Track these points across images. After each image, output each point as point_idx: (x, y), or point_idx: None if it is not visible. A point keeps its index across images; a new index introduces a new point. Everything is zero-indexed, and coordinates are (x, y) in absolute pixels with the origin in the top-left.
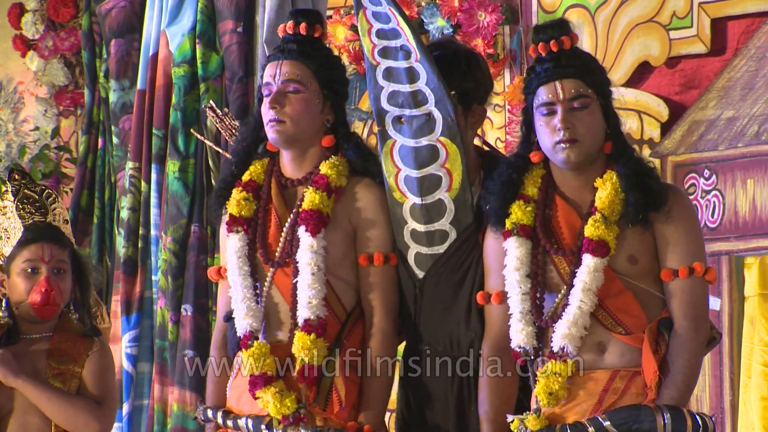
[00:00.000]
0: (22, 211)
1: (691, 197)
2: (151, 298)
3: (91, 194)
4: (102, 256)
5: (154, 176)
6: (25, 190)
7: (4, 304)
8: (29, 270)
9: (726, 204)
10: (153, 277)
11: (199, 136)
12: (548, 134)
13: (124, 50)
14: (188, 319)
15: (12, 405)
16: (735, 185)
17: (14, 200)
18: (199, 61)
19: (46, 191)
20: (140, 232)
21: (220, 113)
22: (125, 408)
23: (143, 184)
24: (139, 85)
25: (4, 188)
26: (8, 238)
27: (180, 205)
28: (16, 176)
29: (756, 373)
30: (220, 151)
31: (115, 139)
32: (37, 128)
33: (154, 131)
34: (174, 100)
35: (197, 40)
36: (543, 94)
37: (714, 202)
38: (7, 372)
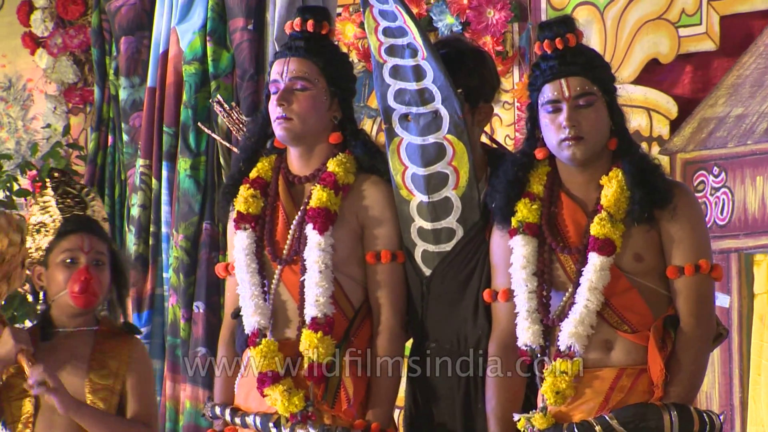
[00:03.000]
0: (62, 205)
1: (700, 194)
2: (163, 296)
3: (101, 192)
4: None
5: (164, 173)
6: (65, 187)
7: (41, 297)
8: (68, 260)
9: (735, 201)
10: (164, 275)
11: (206, 129)
12: (554, 132)
13: (134, 48)
14: (200, 316)
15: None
16: (744, 182)
17: (54, 195)
18: (209, 59)
19: (86, 189)
20: (151, 229)
21: (228, 108)
22: None
23: (154, 181)
24: (149, 83)
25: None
26: (47, 232)
27: (191, 202)
28: (56, 174)
29: (765, 370)
30: (228, 145)
31: (125, 137)
32: (48, 125)
33: (164, 129)
34: (185, 97)
35: (208, 38)
36: (548, 91)
37: (723, 199)
38: (62, 402)
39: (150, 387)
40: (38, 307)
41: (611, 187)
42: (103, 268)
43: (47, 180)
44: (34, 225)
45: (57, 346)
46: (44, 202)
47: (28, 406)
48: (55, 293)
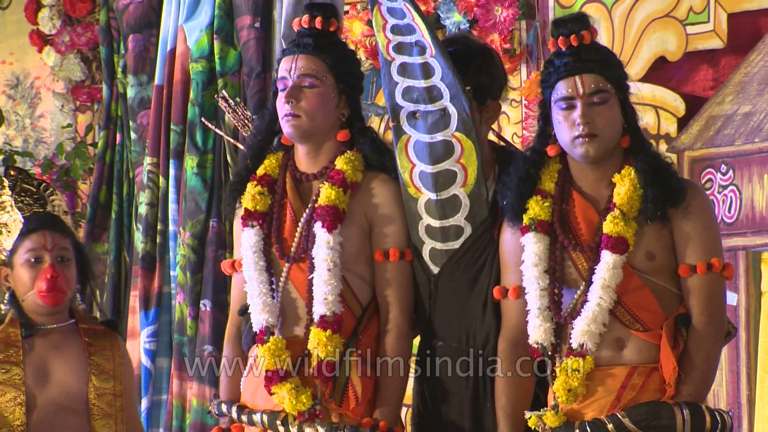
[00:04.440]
0: (21, 204)
1: (707, 192)
2: (170, 294)
3: (109, 190)
4: (120, 251)
5: (172, 172)
6: (23, 184)
7: (7, 298)
8: (32, 260)
9: (743, 199)
10: (171, 273)
11: (210, 125)
12: (567, 129)
13: (141, 45)
14: (207, 314)
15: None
16: (752, 180)
17: (12, 194)
18: (216, 57)
19: (44, 184)
20: (158, 227)
21: (233, 104)
22: (144, 403)
23: (161, 179)
24: (156, 81)
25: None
26: (9, 232)
27: (198, 200)
28: (12, 172)
29: None
30: (233, 141)
31: (133, 135)
32: (69, 125)
33: (172, 127)
34: (192, 95)
35: (215, 36)
36: (562, 88)
37: (731, 197)
38: None
39: (134, 387)
40: (3, 307)
41: (624, 185)
42: (68, 263)
43: (3, 179)
44: None
45: (45, 347)
46: (2, 202)
47: (18, 413)
48: (23, 293)
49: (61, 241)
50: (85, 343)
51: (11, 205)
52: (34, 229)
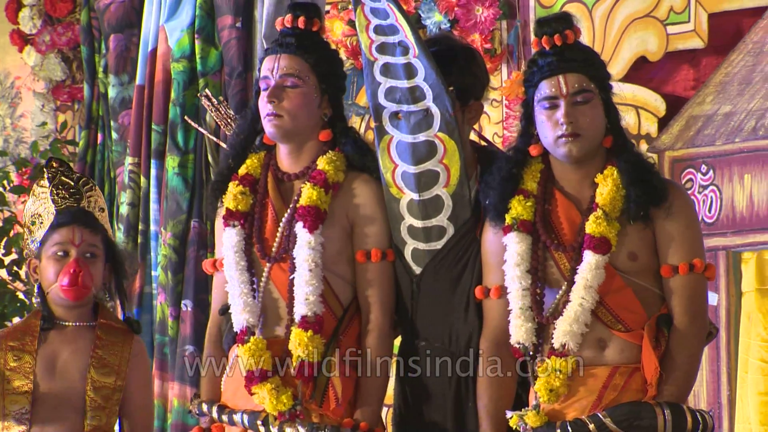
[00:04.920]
0: (56, 197)
1: (688, 192)
2: (151, 294)
3: None
4: None
5: (153, 171)
6: (62, 177)
7: (36, 289)
8: (59, 253)
9: (723, 199)
10: (153, 273)
11: (192, 123)
12: (550, 128)
13: (123, 45)
14: (188, 314)
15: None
16: (732, 180)
17: (49, 186)
18: (198, 57)
19: (83, 179)
20: (140, 227)
21: (216, 102)
22: None
23: (143, 179)
24: (138, 81)
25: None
26: (41, 223)
27: (179, 200)
28: (54, 164)
29: (753, 368)
30: (215, 139)
31: (114, 135)
32: (44, 123)
33: (153, 126)
34: (173, 95)
35: (196, 36)
36: (546, 87)
37: (711, 197)
38: None
39: (149, 386)
40: (34, 300)
41: (607, 185)
42: (95, 260)
43: (45, 169)
44: (30, 217)
45: (58, 341)
46: (40, 193)
47: (23, 401)
48: (48, 286)
49: (89, 237)
50: (95, 337)
51: (47, 197)
52: (63, 223)
